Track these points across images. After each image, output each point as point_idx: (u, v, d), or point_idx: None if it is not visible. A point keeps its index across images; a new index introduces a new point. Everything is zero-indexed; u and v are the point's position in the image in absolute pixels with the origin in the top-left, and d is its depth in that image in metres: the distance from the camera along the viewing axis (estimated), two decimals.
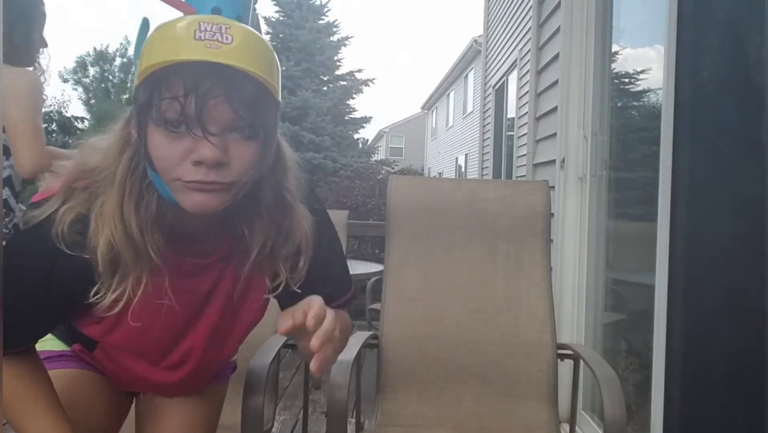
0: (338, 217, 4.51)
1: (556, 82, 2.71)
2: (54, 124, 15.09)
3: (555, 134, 2.69)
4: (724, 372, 1.24)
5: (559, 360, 1.74)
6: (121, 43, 28.35)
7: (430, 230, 1.87)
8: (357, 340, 1.60)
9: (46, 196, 0.83)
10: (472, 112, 14.73)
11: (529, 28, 3.72)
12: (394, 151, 28.37)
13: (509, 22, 7.77)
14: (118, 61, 27.66)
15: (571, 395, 1.77)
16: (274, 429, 1.52)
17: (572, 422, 1.77)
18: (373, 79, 13.87)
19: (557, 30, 2.76)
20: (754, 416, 1.16)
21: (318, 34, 13.40)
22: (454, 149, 18.03)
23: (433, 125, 23.33)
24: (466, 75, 16.05)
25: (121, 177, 0.80)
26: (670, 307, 1.41)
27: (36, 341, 0.91)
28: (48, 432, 0.85)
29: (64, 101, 22.21)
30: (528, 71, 3.96)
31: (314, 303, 0.78)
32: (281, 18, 13.59)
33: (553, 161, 2.69)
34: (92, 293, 0.82)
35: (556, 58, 2.75)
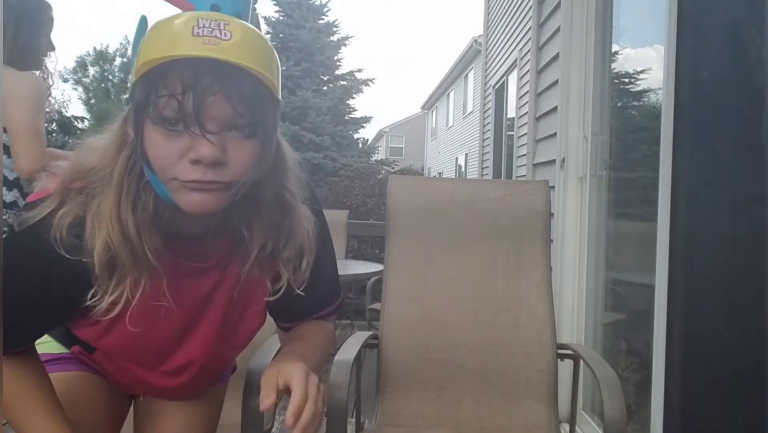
0: (338, 217, 4.55)
1: (556, 82, 2.71)
2: (54, 124, 15.08)
3: (555, 134, 2.69)
4: (724, 372, 1.24)
5: (559, 360, 1.74)
6: (121, 43, 28.37)
7: (430, 230, 1.87)
8: (357, 340, 1.60)
9: (41, 197, 0.82)
10: (472, 112, 14.74)
11: (529, 28, 3.72)
12: (394, 151, 28.38)
13: (509, 22, 7.77)
14: (118, 61, 27.68)
15: (571, 395, 1.77)
16: (274, 429, 1.52)
17: (572, 422, 1.77)
18: (373, 79, 13.87)
19: (557, 30, 2.76)
20: (754, 416, 1.16)
21: (318, 34, 13.39)
22: (454, 149, 18.03)
23: (433, 125, 23.34)
24: (466, 75, 16.05)
25: (118, 177, 0.79)
26: (670, 307, 1.41)
27: (34, 342, 0.90)
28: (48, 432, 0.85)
29: (64, 101, 22.21)
30: (528, 71, 3.96)
31: (293, 378, 0.79)
32: (281, 18, 13.58)
33: (553, 161, 2.69)
34: (89, 296, 0.80)
35: (556, 58, 2.75)
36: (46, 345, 1.01)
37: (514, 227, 1.85)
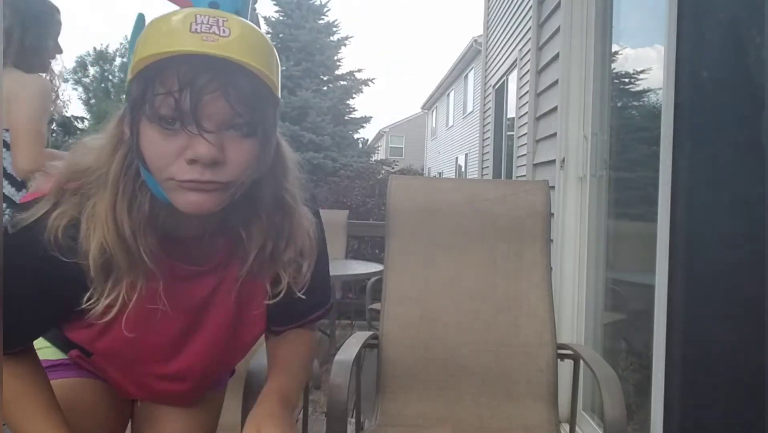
0: (338, 217, 4.55)
1: (556, 82, 2.71)
2: (54, 124, 15.08)
3: (555, 134, 2.69)
4: (724, 372, 1.24)
5: (559, 360, 1.74)
6: (121, 43, 28.36)
7: (430, 230, 1.87)
8: (357, 340, 1.60)
9: (36, 197, 0.80)
10: (472, 112, 14.73)
11: (529, 28, 3.71)
12: (394, 151, 28.38)
13: (509, 22, 7.77)
14: (118, 61, 27.68)
15: (571, 395, 1.77)
16: None
17: (572, 422, 1.77)
18: (373, 79, 13.87)
19: (557, 30, 2.76)
20: (754, 416, 1.16)
21: (318, 34, 13.39)
22: (454, 149, 18.03)
23: (433, 125, 23.34)
24: (466, 75, 16.05)
25: (114, 177, 0.77)
26: (670, 307, 1.41)
27: (30, 343, 0.88)
28: None
29: (64, 101, 22.17)
30: (528, 71, 3.96)
31: None
32: (281, 18, 13.59)
33: (553, 161, 2.69)
34: (85, 299, 0.79)
35: (556, 58, 2.75)
36: (44, 351, 0.98)
37: (514, 227, 1.85)
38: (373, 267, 3.75)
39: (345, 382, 1.34)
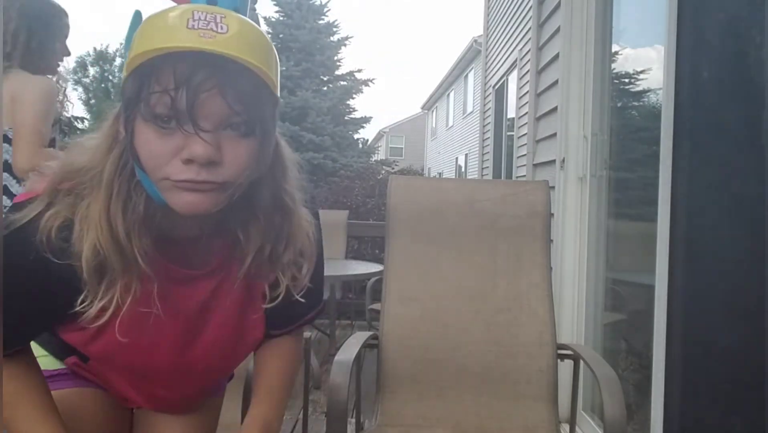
0: (338, 217, 4.55)
1: (556, 82, 2.71)
2: (61, 125, 15.08)
3: (555, 134, 2.69)
4: (724, 372, 1.24)
5: (559, 360, 1.74)
6: (121, 43, 28.24)
7: (430, 230, 1.87)
8: (357, 340, 1.60)
9: (29, 197, 0.78)
10: (472, 112, 14.74)
11: (529, 28, 3.71)
12: (394, 151, 28.39)
13: (509, 22, 7.77)
14: (118, 61, 27.64)
15: (571, 395, 1.76)
16: None
17: (572, 422, 1.77)
18: (373, 79, 13.90)
19: (557, 30, 2.76)
20: (754, 416, 1.16)
21: (318, 34, 13.41)
22: (454, 149, 18.03)
23: (433, 125, 23.34)
24: (466, 75, 16.05)
25: (108, 177, 0.75)
26: (670, 307, 1.41)
27: (26, 344, 0.86)
28: None
29: (70, 103, 22.18)
30: (528, 71, 3.96)
31: None
32: (281, 18, 13.60)
33: (553, 161, 2.69)
34: (78, 301, 0.77)
35: (556, 58, 2.75)
36: (41, 360, 0.95)
37: (514, 227, 1.85)
38: (373, 267, 3.74)
39: (345, 382, 1.34)
